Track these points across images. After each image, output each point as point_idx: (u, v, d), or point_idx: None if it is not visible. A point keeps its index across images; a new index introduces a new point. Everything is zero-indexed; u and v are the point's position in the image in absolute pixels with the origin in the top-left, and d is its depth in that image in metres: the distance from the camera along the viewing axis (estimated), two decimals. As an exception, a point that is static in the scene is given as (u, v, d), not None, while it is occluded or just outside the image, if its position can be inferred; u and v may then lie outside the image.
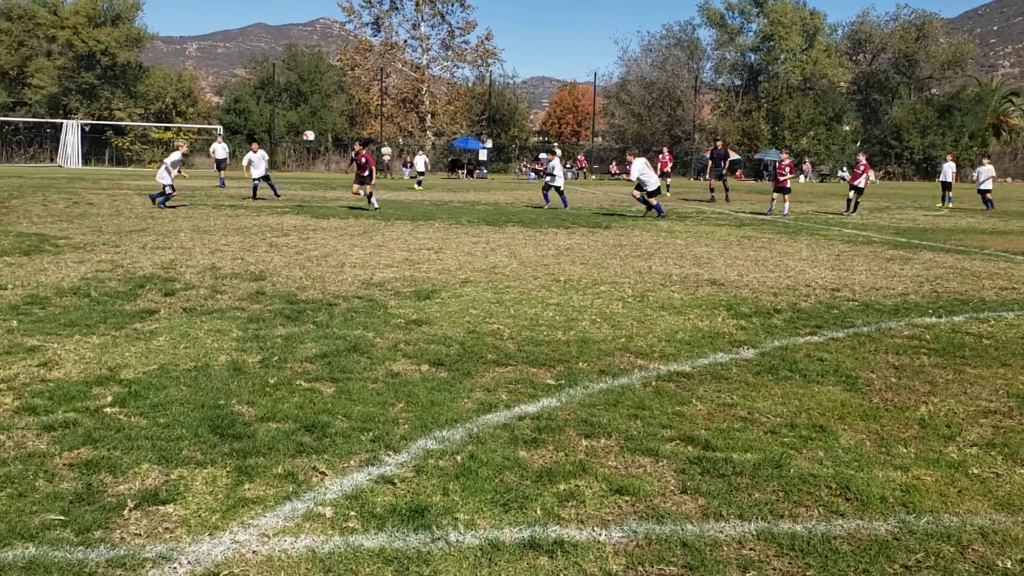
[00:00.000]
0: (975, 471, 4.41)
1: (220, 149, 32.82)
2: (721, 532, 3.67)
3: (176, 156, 20.57)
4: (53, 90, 54.83)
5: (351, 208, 21.21)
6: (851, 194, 23.50)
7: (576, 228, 17.05)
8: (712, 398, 5.56)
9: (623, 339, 7.16)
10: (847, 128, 69.33)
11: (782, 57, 67.94)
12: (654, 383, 5.86)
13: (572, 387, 5.71)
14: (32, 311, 7.73)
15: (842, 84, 71.27)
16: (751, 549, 3.53)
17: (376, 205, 20.95)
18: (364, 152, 21.49)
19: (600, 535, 3.61)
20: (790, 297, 9.37)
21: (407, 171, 49.43)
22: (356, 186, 21.15)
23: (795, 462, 4.46)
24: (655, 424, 5.00)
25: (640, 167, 20.57)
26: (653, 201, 20.77)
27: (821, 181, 59.58)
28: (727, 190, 29.51)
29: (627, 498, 3.99)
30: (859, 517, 3.85)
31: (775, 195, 23.53)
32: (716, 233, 16.74)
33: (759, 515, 3.83)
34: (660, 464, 4.42)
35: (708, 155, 32.29)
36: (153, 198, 20.35)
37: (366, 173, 20.96)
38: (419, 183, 36.21)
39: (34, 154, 53.86)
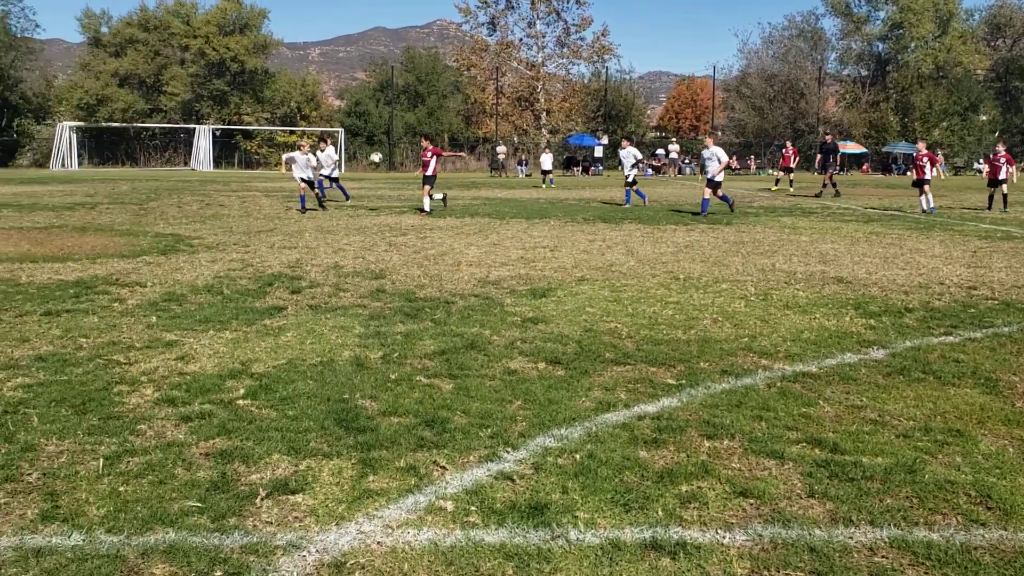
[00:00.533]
0: None
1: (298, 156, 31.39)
2: (851, 538, 3.53)
3: (302, 157, 20.14)
4: (186, 97, 57.57)
5: (421, 211, 21.41)
6: (993, 189, 21.82)
7: (695, 225, 16.76)
8: (840, 400, 5.36)
9: (746, 338, 6.99)
10: (984, 118, 65.66)
11: (912, 45, 64.88)
12: (779, 384, 5.69)
13: (693, 387, 5.61)
14: (170, 307, 8.13)
15: (979, 72, 67.50)
16: (883, 556, 3.38)
17: (428, 208, 19.36)
18: (431, 147, 19.96)
19: (724, 538, 3.53)
20: (922, 296, 8.95)
21: (522, 170, 49.63)
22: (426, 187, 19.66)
23: (930, 467, 4.25)
24: (780, 426, 4.86)
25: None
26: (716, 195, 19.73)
27: (955, 174, 56.71)
28: (835, 186, 28.37)
29: (751, 501, 3.89)
30: (1002, 527, 3.63)
31: (924, 188, 21.58)
32: (842, 229, 16.15)
33: (892, 522, 3.67)
34: (786, 467, 4.29)
35: (819, 150, 31.09)
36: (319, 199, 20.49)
37: (428, 172, 19.48)
38: (550, 181, 35.75)
39: (169, 158, 56.69)
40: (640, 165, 25.14)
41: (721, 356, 6.42)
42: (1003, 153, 21.69)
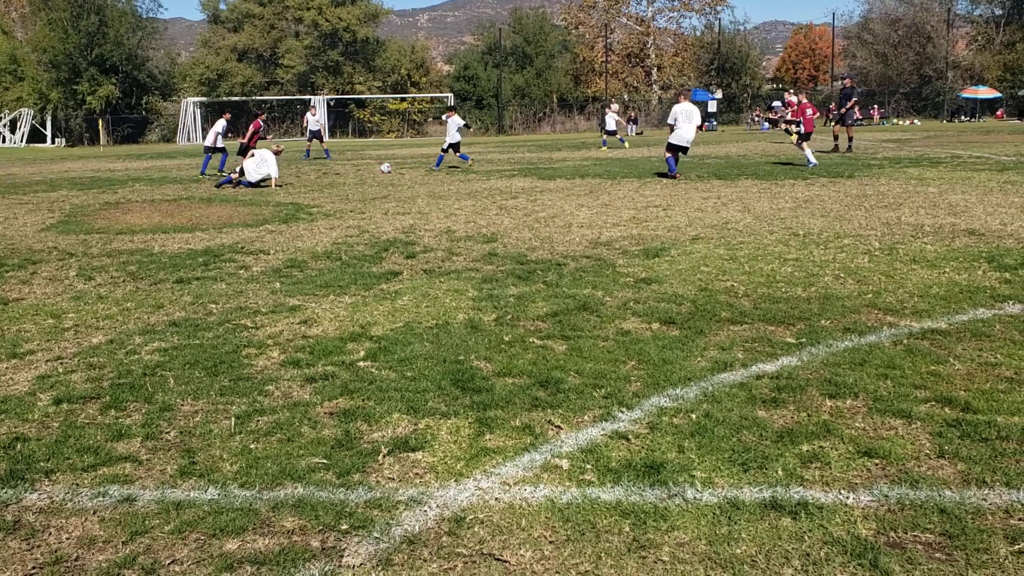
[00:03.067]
0: None
1: (313, 121, 30.64)
2: (984, 500, 3.38)
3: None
4: (302, 69, 59.03)
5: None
6: None
7: (815, 179, 16.18)
8: (972, 357, 5.12)
9: (870, 295, 6.74)
10: None
11: (1053, -22, 60.43)
12: (905, 341, 5.47)
13: (814, 346, 5.46)
14: (292, 274, 8.43)
15: None
16: (1020, 519, 3.23)
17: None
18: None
19: (848, 498, 3.44)
20: (1064, 247, 8.41)
21: (633, 128, 48.87)
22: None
23: (1073, 428, 4.02)
24: (907, 384, 4.68)
25: (679, 112, 17.38)
26: (671, 162, 17.62)
27: (1100, 116, 52.78)
28: (850, 139, 24.58)
29: (877, 461, 3.77)
30: None
31: None
32: (974, 179, 15.30)
33: (1030, 485, 3.49)
34: (913, 426, 4.13)
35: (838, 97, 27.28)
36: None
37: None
38: (621, 141, 33.59)
39: (287, 129, 58.41)
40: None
41: (843, 313, 6.22)
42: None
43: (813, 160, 19.13)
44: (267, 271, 8.62)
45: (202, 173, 22.06)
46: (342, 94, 57.72)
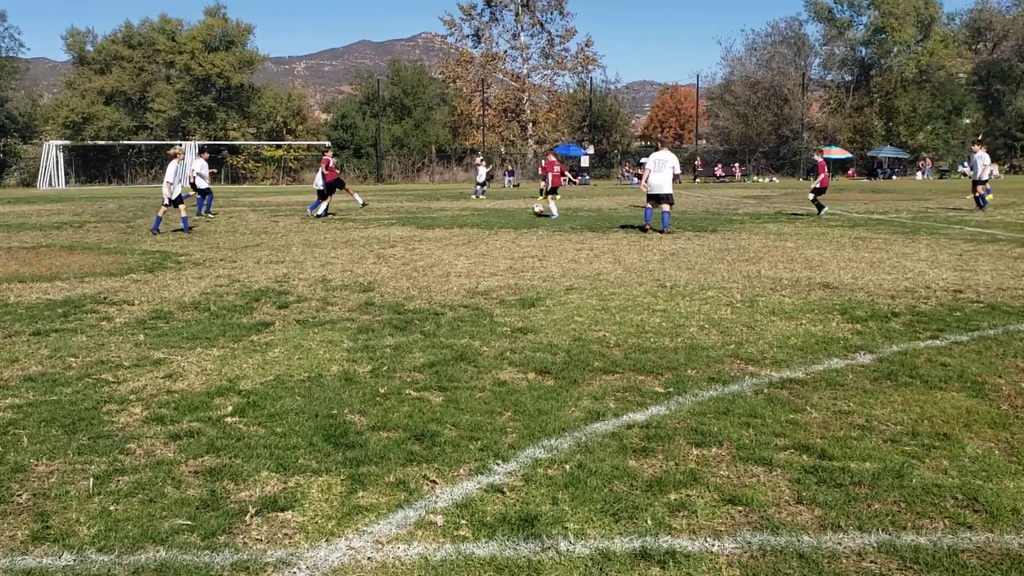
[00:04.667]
0: (1118, 482, 4.13)
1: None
2: (839, 544, 3.54)
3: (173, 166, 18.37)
4: (173, 113, 57.56)
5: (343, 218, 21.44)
6: (977, 188, 22.79)
7: (681, 232, 16.82)
8: (827, 405, 5.39)
9: (733, 345, 7.02)
10: (968, 121, 66.23)
11: (895, 50, 65.46)
12: (766, 390, 5.72)
13: (681, 395, 5.63)
14: (157, 325, 8.11)
15: (961, 75, 68.14)
16: (872, 562, 3.39)
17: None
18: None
19: (713, 546, 3.54)
20: (909, 300, 9.00)
21: (510, 180, 49.67)
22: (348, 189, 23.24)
23: (918, 472, 4.27)
24: (768, 432, 4.88)
25: (650, 161, 17.65)
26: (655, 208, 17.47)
27: (940, 178, 57.10)
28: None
29: (740, 508, 3.91)
30: (989, 530, 3.66)
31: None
32: (828, 234, 16.24)
33: (880, 527, 3.68)
34: (774, 473, 4.30)
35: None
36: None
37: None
38: (481, 193, 34.53)
39: (156, 175, 56.59)
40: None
41: (708, 363, 6.45)
42: (820, 161, 22.02)
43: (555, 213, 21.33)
44: (131, 322, 8.27)
45: (200, 213, 22.09)
46: (215, 140, 56.47)
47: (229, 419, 5.21)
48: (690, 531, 3.68)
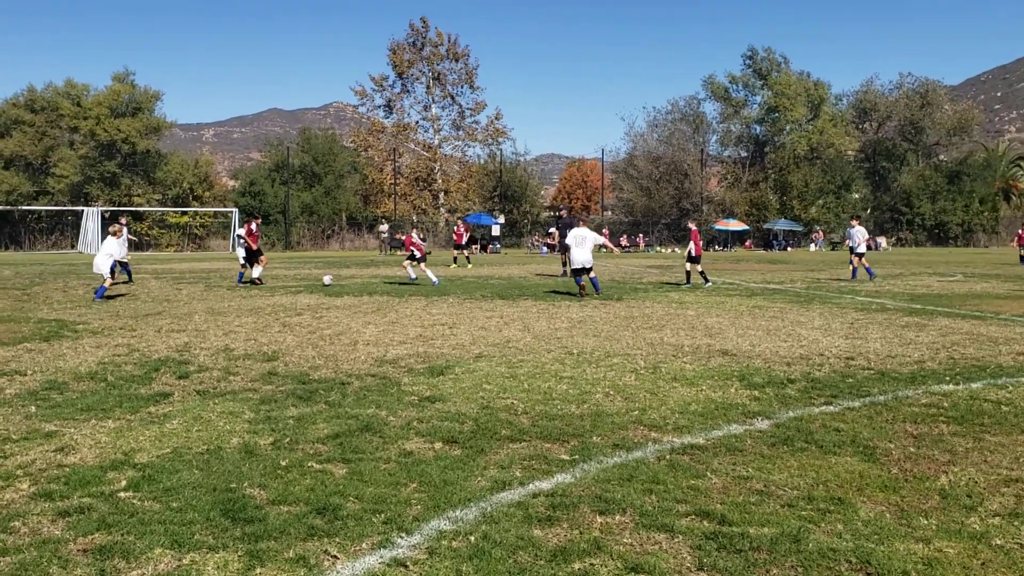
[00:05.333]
0: (998, 542, 4.33)
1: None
2: (739, 609, 3.61)
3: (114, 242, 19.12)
4: (75, 179, 56.00)
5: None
6: (853, 259, 24.24)
7: (589, 301, 17.10)
8: (727, 471, 5.51)
9: (636, 411, 7.14)
10: (856, 196, 69.83)
11: (788, 128, 68.85)
12: (668, 456, 5.82)
13: (586, 462, 5.68)
14: (50, 396, 7.78)
15: (849, 152, 72.09)
16: (770, 626, 3.46)
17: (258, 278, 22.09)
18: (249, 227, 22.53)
19: (616, 614, 3.56)
20: (804, 366, 9.33)
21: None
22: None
23: (814, 536, 4.40)
24: (670, 499, 4.96)
25: (570, 238, 18.58)
26: (578, 275, 18.29)
27: (832, 249, 59.68)
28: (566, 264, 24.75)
29: (643, 576, 3.94)
30: (880, 591, 3.78)
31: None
32: (727, 303, 16.75)
33: (777, 591, 3.77)
34: (676, 540, 4.37)
35: (555, 227, 28.47)
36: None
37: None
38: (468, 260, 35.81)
39: (56, 241, 54.77)
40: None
41: (613, 430, 6.53)
42: (693, 230, 22.27)
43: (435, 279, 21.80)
44: (22, 393, 7.91)
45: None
46: (118, 206, 55.08)
47: (123, 494, 5.02)
48: (593, 600, 3.69)
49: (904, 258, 42.29)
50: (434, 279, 21.87)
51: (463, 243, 34.78)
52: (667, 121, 72.29)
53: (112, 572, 3.94)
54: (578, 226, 19.08)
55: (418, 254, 22.40)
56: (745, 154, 71.63)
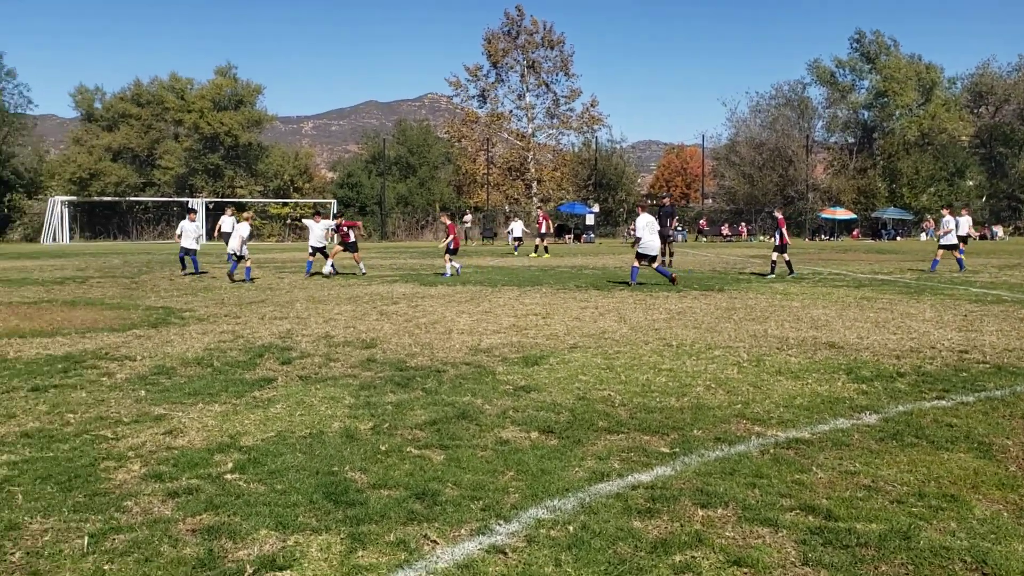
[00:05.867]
0: None
1: (228, 222, 31.20)
2: (849, 610, 3.47)
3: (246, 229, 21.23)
4: (180, 171, 58.22)
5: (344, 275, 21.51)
6: (939, 251, 23.24)
7: (688, 291, 16.83)
8: (833, 466, 5.32)
9: (739, 405, 6.97)
10: (971, 183, 66.71)
11: (897, 113, 66.30)
12: (772, 450, 5.66)
13: (687, 455, 5.57)
14: (159, 381, 8.09)
15: (963, 138, 68.84)
16: (883, 629, 3.32)
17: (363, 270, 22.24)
18: (345, 221, 22.93)
19: (719, 610, 3.47)
20: (914, 360, 8.95)
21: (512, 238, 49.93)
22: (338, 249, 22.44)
23: (925, 533, 4.20)
24: (774, 493, 4.82)
25: (643, 225, 18.80)
26: (653, 267, 18.77)
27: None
28: (671, 255, 25.52)
29: (745, 570, 3.84)
30: (1002, 596, 3.58)
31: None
32: (833, 294, 16.23)
33: (890, 592, 3.61)
34: (779, 535, 4.24)
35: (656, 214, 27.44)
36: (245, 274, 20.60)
37: (350, 240, 22.19)
38: (515, 249, 36.71)
39: (162, 231, 57.04)
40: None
41: (715, 423, 6.39)
42: (780, 218, 21.62)
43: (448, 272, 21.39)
44: (132, 378, 8.24)
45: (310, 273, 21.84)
46: (222, 197, 57.01)
47: (229, 476, 5.16)
48: (695, 594, 3.61)
49: (1022, 247, 40.26)
50: (448, 272, 21.37)
51: (542, 231, 34.83)
52: (770, 106, 70.47)
53: (220, 552, 4.05)
54: (639, 214, 19.38)
55: (452, 245, 21.93)
56: (852, 140, 69.27)
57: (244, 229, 21.29)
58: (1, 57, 63.70)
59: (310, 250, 21.98)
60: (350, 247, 22.29)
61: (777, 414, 6.66)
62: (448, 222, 22.71)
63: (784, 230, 21.04)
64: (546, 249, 34.54)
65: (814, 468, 5.28)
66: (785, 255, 21.01)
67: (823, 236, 58.06)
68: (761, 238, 56.89)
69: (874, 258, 30.31)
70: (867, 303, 14.62)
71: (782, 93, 70.51)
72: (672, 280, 18.21)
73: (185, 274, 22.00)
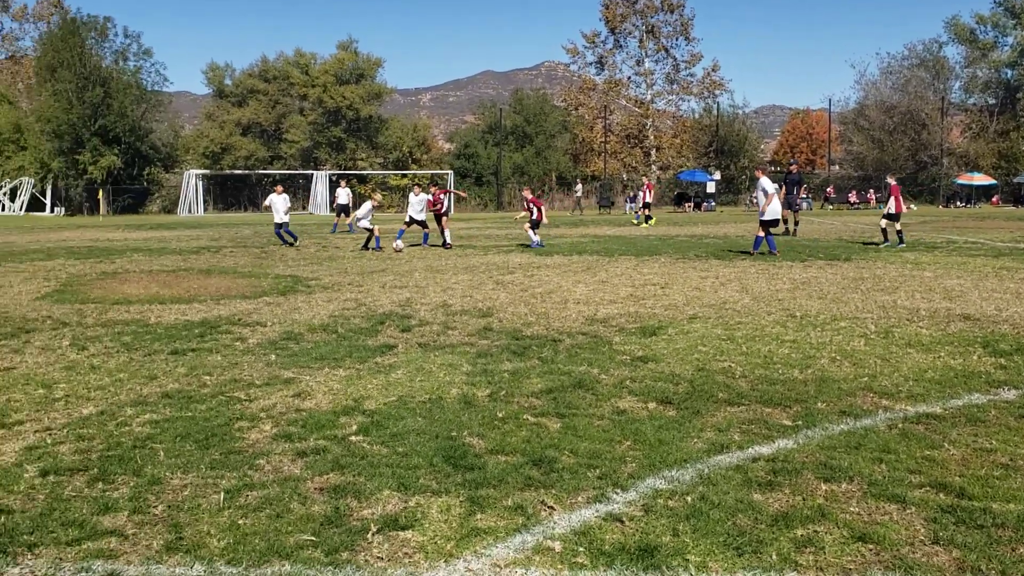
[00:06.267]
0: None
1: (343, 195, 32.79)
2: (983, 591, 3.32)
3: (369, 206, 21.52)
4: (305, 144, 59.96)
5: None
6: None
7: (813, 261, 16.30)
8: (967, 442, 5.08)
9: (866, 378, 6.73)
10: None
11: (1044, 71, 61.91)
12: (901, 425, 5.45)
13: (810, 428, 5.43)
14: (288, 346, 8.42)
15: (1119, 96, 63.73)
16: (1020, 613, 3.17)
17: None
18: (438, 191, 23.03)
19: (843, 587, 3.38)
20: (1059, 333, 8.42)
21: (631, 206, 49.46)
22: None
23: (1071, 517, 3.97)
24: (902, 469, 4.64)
25: (767, 189, 18.07)
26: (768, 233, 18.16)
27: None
28: (796, 223, 24.65)
29: (871, 546, 3.72)
30: None
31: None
32: (969, 264, 15.42)
33: (1029, 575, 3.44)
34: (908, 512, 4.09)
35: (782, 182, 25.73)
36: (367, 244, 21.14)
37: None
38: (637, 217, 36.20)
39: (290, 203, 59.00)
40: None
41: (839, 396, 6.20)
42: (893, 185, 20.17)
43: (536, 241, 21.11)
44: (263, 343, 8.61)
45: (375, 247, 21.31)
46: (344, 169, 58.51)
47: (354, 438, 5.34)
48: (817, 568, 3.53)
49: None
50: (536, 240, 21.20)
51: (646, 200, 34.03)
52: (903, 67, 66.87)
53: (345, 510, 4.20)
54: (758, 177, 18.84)
55: (535, 217, 21.56)
56: (993, 101, 65.06)
57: (366, 203, 21.70)
58: (139, 37, 66.60)
59: (407, 219, 22.12)
60: (440, 217, 22.46)
61: (906, 388, 6.41)
62: (529, 196, 22.45)
63: (899, 198, 19.96)
64: (648, 218, 33.69)
65: (946, 444, 5.06)
66: (897, 224, 19.96)
67: (959, 203, 55.02)
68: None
69: (1016, 226, 28.57)
70: (1007, 273, 13.82)
71: (916, 53, 66.81)
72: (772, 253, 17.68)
73: (287, 245, 22.46)
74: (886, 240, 20.09)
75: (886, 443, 5.08)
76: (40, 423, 5.77)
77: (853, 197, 56.45)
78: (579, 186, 52.25)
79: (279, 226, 22.75)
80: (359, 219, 21.33)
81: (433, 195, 22.84)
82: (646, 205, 33.97)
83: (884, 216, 20.33)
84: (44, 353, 8.19)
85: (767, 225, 18.21)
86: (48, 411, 6.07)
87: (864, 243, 20.98)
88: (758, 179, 18.95)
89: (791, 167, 28.62)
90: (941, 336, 8.41)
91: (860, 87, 75.18)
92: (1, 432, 5.57)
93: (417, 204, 22.05)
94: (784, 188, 24.27)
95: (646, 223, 32.48)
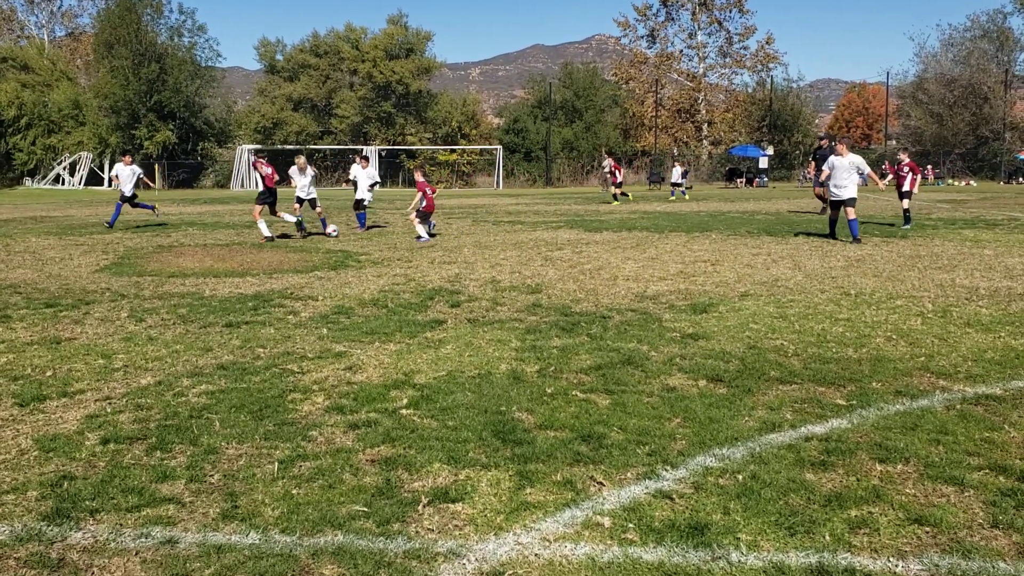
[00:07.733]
0: None
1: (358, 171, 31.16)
2: (1044, 577, 3.25)
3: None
4: (355, 119, 60.27)
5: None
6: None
7: (868, 238, 15.97)
8: (1030, 425, 4.96)
9: (922, 358, 6.60)
10: None
11: (1116, 40, 59.60)
12: (959, 406, 5.34)
13: (864, 408, 5.35)
14: (339, 320, 8.51)
15: None
16: (1083, 599, 3.09)
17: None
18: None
19: (897, 566, 3.34)
20: None
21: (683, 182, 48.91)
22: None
23: None
24: (960, 451, 4.55)
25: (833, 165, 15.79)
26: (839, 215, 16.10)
27: None
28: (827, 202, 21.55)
29: (927, 529, 3.66)
30: None
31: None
32: (1030, 242, 14.99)
33: (1092, 561, 3.35)
34: (966, 494, 4.01)
35: (812, 158, 23.29)
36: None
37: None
38: (683, 192, 36.01)
39: (339, 177, 59.42)
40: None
41: (895, 376, 6.09)
42: (907, 161, 19.15)
43: None
44: (315, 317, 8.72)
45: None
46: (394, 144, 58.73)
47: (404, 411, 5.39)
48: (872, 549, 3.48)
49: None
50: (424, 236, 16.76)
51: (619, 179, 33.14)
52: (964, 39, 64.84)
53: (396, 482, 4.25)
54: (824, 149, 17.25)
55: (423, 206, 16.79)
56: (1060, 73, 62.94)
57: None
58: (193, 13, 67.51)
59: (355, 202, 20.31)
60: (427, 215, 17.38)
61: (965, 368, 6.27)
62: (420, 178, 17.32)
63: (917, 174, 19.07)
64: (619, 195, 32.57)
65: (1006, 427, 4.94)
66: (906, 202, 18.78)
67: (1021, 179, 53.48)
68: (950, 181, 53.12)
69: (1081, 203, 27.69)
70: (1072, 252, 13.42)
71: (979, 24, 64.67)
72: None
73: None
74: (907, 222, 18.73)
75: (943, 424, 4.98)
76: (100, 392, 5.92)
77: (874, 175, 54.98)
78: (607, 161, 51.59)
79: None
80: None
81: (425, 193, 17.04)
82: (618, 184, 33.05)
83: (903, 196, 18.95)
84: (103, 324, 8.39)
85: (834, 207, 16.11)
86: (108, 381, 6.22)
87: (881, 224, 20.49)
88: (842, 156, 15.98)
89: (821, 141, 26.93)
90: (1002, 316, 8.20)
91: (919, 60, 72.98)
92: (63, 401, 5.73)
93: (304, 179, 18.65)
94: (814, 164, 22.83)
95: (616, 200, 31.61)
